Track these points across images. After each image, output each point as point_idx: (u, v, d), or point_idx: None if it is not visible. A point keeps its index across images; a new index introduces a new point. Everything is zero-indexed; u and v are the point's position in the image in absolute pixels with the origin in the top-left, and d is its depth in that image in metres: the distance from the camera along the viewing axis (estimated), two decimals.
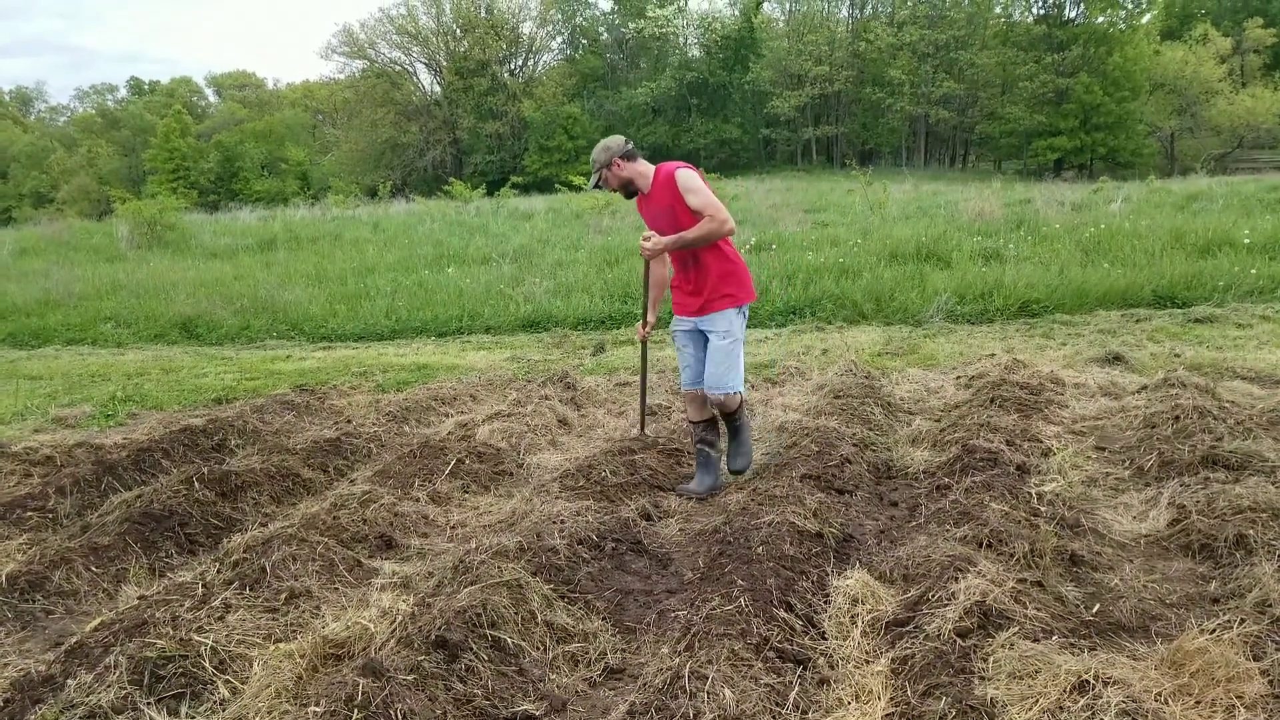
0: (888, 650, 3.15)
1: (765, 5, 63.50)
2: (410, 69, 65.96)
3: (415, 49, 64.43)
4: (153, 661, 3.02)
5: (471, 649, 3.08)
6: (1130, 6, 50.28)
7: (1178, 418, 5.34)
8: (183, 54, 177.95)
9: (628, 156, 4.70)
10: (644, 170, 4.74)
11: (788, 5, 63.57)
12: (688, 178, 4.55)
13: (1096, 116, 47.46)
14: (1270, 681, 2.74)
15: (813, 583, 3.64)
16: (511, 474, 5.43)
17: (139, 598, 3.72)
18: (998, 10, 55.88)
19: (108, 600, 3.88)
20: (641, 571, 4.03)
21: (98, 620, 3.48)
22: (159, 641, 3.11)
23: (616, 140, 4.76)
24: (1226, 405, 5.71)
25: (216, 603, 3.50)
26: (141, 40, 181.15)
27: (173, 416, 7.09)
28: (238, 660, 3.15)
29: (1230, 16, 57.39)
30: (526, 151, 58.93)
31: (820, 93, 56.81)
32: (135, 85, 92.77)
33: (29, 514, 4.73)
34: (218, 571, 3.81)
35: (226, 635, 3.25)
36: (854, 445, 5.36)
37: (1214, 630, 2.95)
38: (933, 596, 3.34)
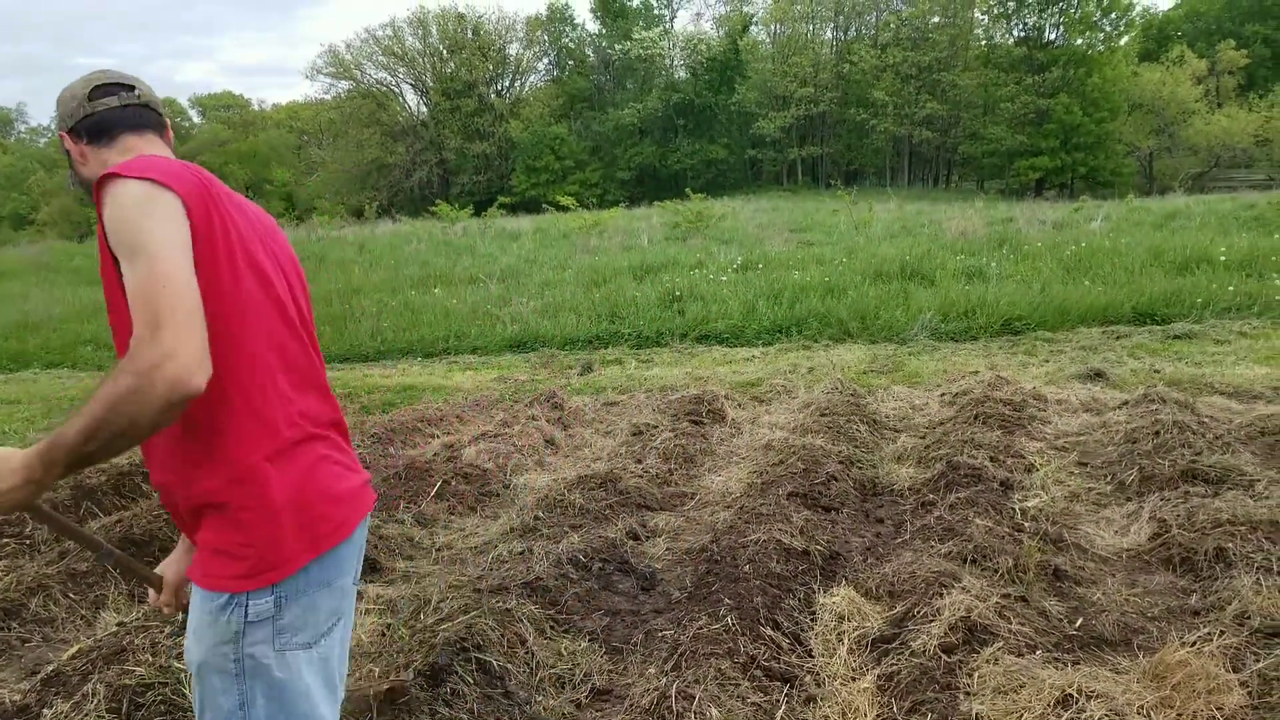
0: (874, 667, 3.16)
1: (751, 27, 64.09)
2: (396, 89, 66.20)
3: (401, 70, 64.66)
4: (132, 689, 2.98)
5: (457, 672, 3.07)
6: (1108, 29, 50.99)
7: (1158, 433, 5.39)
8: (175, 75, 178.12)
9: (92, 129, 1.85)
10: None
11: (773, 27, 64.22)
12: (122, 204, 1.57)
13: (1076, 136, 48.01)
14: (1249, 693, 2.77)
15: (799, 600, 3.65)
16: (498, 495, 5.43)
17: (118, 624, 3.69)
18: (979, 32, 56.62)
19: (86, 627, 3.84)
20: (629, 591, 4.03)
21: (75, 648, 3.44)
22: (138, 669, 3.08)
23: (77, 87, 1.88)
24: (1205, 420, 5.76)
25: None
26: (132, 63, 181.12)
27: None
28: None
29: (1205, 38, 58.27)
30: (514, 172, 59.07)
31: (805, 114, 57.30)
32: None
33: (5, 540, 4.68)
34: None
35: None
36: (840, 463, 5.38)
37: (1195, 643, 2.98)
38: (918, 613, 3.36)
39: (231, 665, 1.73)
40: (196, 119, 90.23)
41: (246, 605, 1.71)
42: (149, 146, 1.87)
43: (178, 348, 1.48)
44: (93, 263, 20.72)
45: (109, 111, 1.86)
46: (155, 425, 1.50)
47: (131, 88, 1.91)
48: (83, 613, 3.93)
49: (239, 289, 1.68)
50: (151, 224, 1.56)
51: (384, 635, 3.49)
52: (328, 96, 67.69)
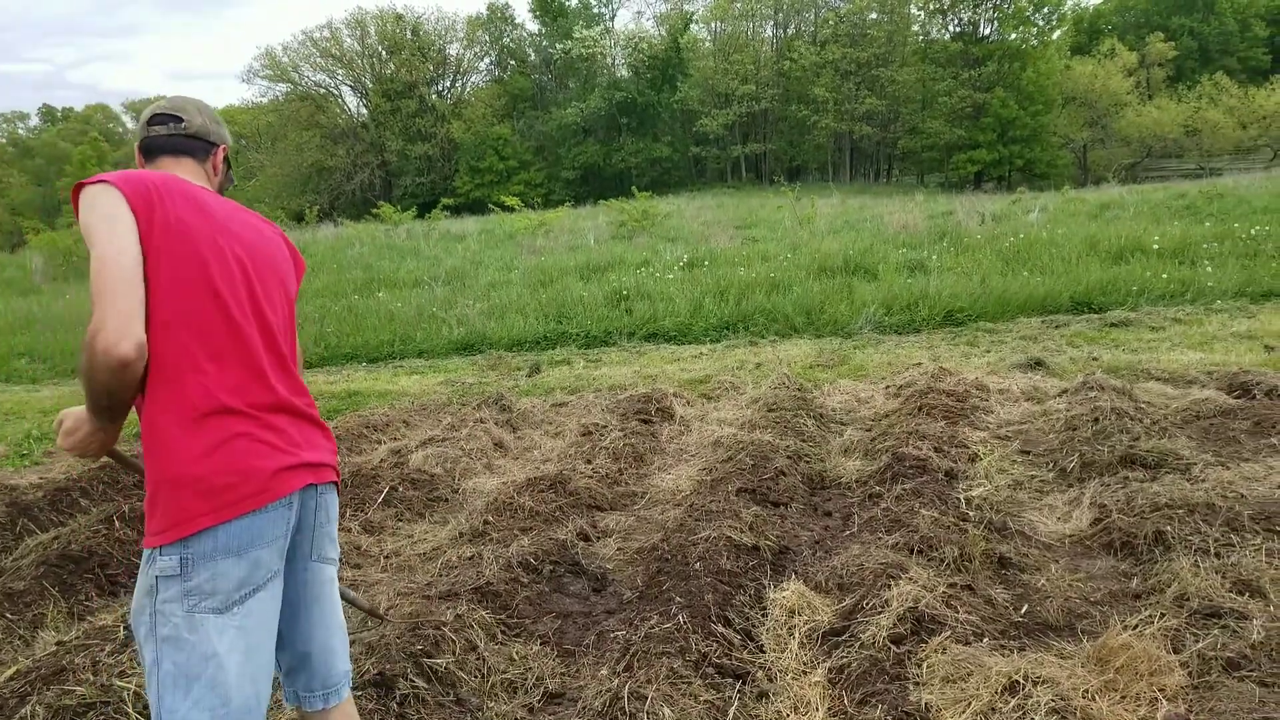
0: (824, 660, 3.18)
1: (691, 26, 64.28)
2: (335, 91, 65.10)
3: (340, 71, 63.58)
4: (72, 710, 2.91)
5: (408, 681, 3.03)
6: (1041, 23, 52.07)
7: (1097, 419, 5.50)
8: (105, 81, 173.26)
9: (145, 150, 2.23)
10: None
11: (714, 25, 64.42)
12: (82, 208, 1.90)
13: (1013, 130, 48.99)
14: (1189, 673, 2.84)
15: (750, 596, 3.66)
16: (447, 500, 5.36)
17: (57, 644, 3.58)
18: (916, 28, 57.46)
19: (24, 648, 3.72)
20: (580, 593, 4.01)
21: (13, 669, 3.33)
22: (79, 689, 3.00)
23: (144, 112, 2.29)
24: (1143, 406, 5.90)
25: None
26: (61, 69, 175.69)
27: None
28: None
29: (1134, 32, 59.87)
30: (457, 173, 58.51)
31: (748, 111, 57.66)
32: (48, 113, 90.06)
33: None
34: None
35: None
36: (788, 458, 5.41)
37: (1136, 626, 3.05)
38: (867, 605, 3.39)
39: (146, 618, 1.89)
40: (130, 124, 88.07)
41: (157, 560, 1.88)
42: (178, 169, 2.19)
43: (105, 320, 1.76)
44: (24, 274, 20.17)
45: (156, 138, 2.21)
46: (116, 384, 1.80)
47: (179, 119, 2.23)
48: (20, 633, 3.81)
49: (175, 275, 1.91)
50: (95, 217, 1.86)
51: None
52: (264, 99, 66.42)
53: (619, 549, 4.47)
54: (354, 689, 2.96)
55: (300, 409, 2.12)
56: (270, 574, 1.99)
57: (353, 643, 3.37)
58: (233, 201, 2.20)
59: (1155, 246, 12.42)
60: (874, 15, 57.71)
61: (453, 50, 65.34)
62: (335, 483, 2.21)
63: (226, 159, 2.32)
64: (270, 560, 1.99)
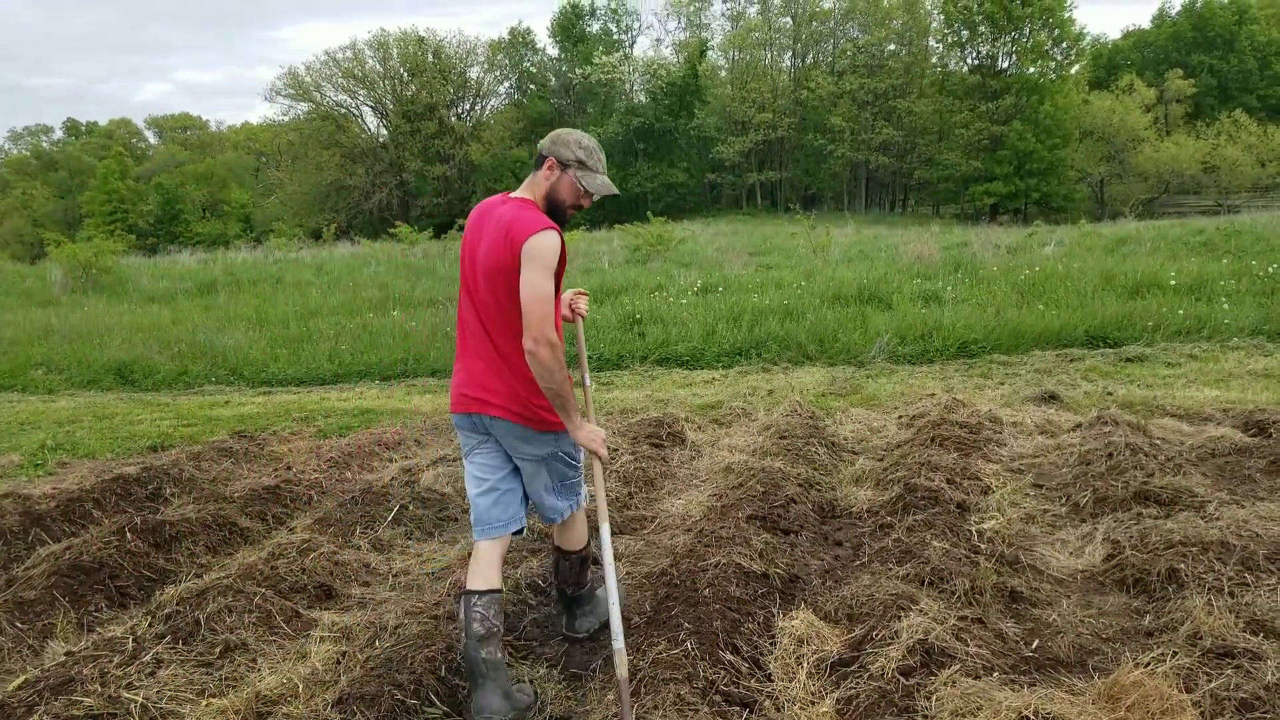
0: (833, 691, 3.16)
1: (709, 53, 64.79)
2: (356, 112, 65.82)
3: (362, 92, 64.32)
4: None
5: (417, 698, 3.02)
6: (1059, 57, 52.24)
7: (1111, 455, 5.46)
8: (132, 95, 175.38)
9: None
10: None
11: (732, 53, 64.96)
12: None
13: (1030, 163, 49.05)
14: (1202, 713, 2.80)
15: (759, 624, 3.64)
16: (456, 520, 5.36)
17: (66, 654, 3.59)
18: (934, 60, 57.77)
19: (33, 657, 3.74)
20: None
21: (22, 678, 3.34)
22: (86, 699, 3.02)
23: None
24: (1157, 442, 5.86)
25: (147, 658, 3.39)
26: (86, 83, 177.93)
27: (105, 465, 6.89)
28: (169, 718, 3.06)
29: (1153, 68, 60.00)
30: (474, 194, 58.94)
31: (764, 139, 58.00)
32: (71, 127, 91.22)
33: None
34: (149, 625, 3.70)
35: (157, 692, 3.16)
36: (799, 485, 5.39)
37: (1148, 664, 3.02)
38: (876, 636, 3.37)
39: None
40: (153, 139, 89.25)
41: None
42: (530, 176, 3.38)
43: None
44: (43, 285, 20.35)
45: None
46: None
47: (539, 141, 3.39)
48: (30, 642, 3.83)
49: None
50: None
51: (339, 663, 3.43)
52: (286, 118, 67.17)
53: (627, 573, 4.45)
54: (354, 705, 2.96)
55: (479, 360, 3.28)
56: (470, 448, 3.39)
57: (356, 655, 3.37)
58: (506, 204, 3.26)
59: (1172, 282, 12.36)
60: (892, 47, 58.10)
61: (473, 73, 66.12)
62: (504, 418, 3.24)
63: (563, 164, 3.28)
64: (467, 442, 3.39)
